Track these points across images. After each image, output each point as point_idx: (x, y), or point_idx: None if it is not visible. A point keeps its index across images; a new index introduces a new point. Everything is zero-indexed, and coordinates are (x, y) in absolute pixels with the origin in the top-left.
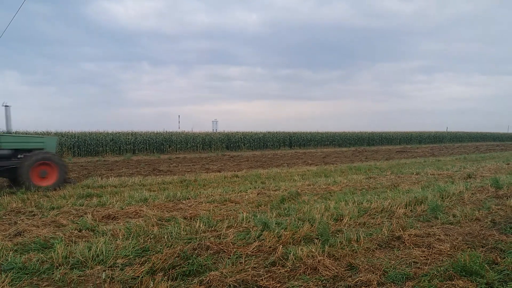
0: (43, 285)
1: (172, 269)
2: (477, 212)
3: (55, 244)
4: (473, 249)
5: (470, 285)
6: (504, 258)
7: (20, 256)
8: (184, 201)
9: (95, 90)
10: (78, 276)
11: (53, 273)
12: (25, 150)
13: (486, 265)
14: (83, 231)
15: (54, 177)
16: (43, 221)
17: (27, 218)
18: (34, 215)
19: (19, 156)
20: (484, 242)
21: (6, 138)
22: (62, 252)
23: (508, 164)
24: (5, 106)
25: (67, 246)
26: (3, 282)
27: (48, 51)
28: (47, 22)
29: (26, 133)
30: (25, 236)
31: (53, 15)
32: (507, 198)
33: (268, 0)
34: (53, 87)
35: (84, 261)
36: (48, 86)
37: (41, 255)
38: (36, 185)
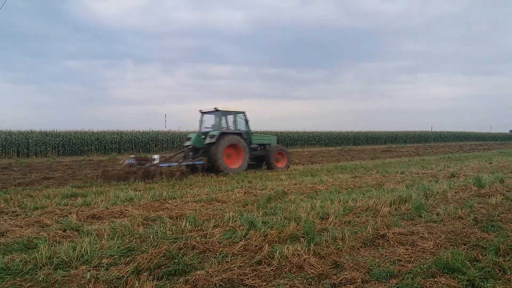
0: (27, 285)
1: (157, 269)
2: (460, 211)
3: (38, 244)
4: (455, 247)
5: (452, 282)
6: (485, 255)
7: (2, 257)
8: (170, 201)
9: (78, 88)
10: (62, 277)
11: (36, 274)
12: (261, 145)
13: (468, 262)
14: (68, 231)
15: (284, 162)
16: (26, 221)
17: (10, 219)
18: (17, 215)
19: (258, 149)
20: (466, 239)
21: (255, 137)
22: (46, 252)
23: (491, 163)
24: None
25: (51, 246)
26: None
27: (30, 48)
28: (29, 19)
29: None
30: (8, 237)
31: (35, 11)
32: (489, 197)
33: None
34: (36, 85)
35: (68, 261)
36: (31, 84)
37: (25, 255)
38: (275, 166)
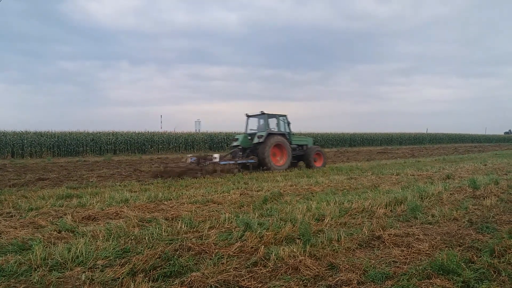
0: (21, 287)
1: (153, 270)
2: (455, 212)
3: (33, 246)
4: (450, 248)
5: (447, 283)
6: (480, 257)
7: None
8: (165, 202)
9: (73, 89)
10: (57, 278)
11: (31, 275)
12: (299, 145)
13: (463, 263)
14: (63, 232)
15: (321, 161)
16: (21, 222)
17: (4, 220)
18: (11, 216)
19: (297, 149)
20: (461, 241)
21: (294, 138)
22: (40, 254)
23: (485, 165)
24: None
25: (46, 247)
26: None
27: (24, 48)
28: (23, 19)
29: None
30: (2, 238)
31: (29, 12)
32: (484, 198)
33: (246, 0)
34: (30, 86)
35: (63, 263)
36: (24, 84)
37: (19, 256)
38: (314, 165)
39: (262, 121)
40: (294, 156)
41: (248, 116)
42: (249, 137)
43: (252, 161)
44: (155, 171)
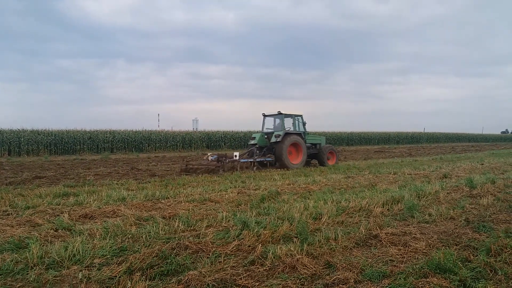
0: (17, 285)
1: (150, 269)
2: (452, 211)
3: (30, 244)
4: (447, 247)
5: (444, 282)
6: (477, 255)
7: None
8: (163, 201)
9: (70, 87)
10: (54, 276)
11: (27, 274)
12: (313, 144)
13: (459, 262)
14: (60, 230)
15: (334, 160)
16: (17, 220)
17: (0, 218)
18: (8, 214)
19: (311, 148)
20: (458, 240)
21: (309, 137)
22: (37, 252)
23: (482, 164)
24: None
25: (43, 246)
26: None
27: (21, 46)
28: (20, 17)
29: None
30: None
31: (26, 10)
32: (481, 198)
33: None
34: (26, 83)
35: (60, 261)
36: (21, 82)
37: (16, 255)
38: (327, 163)
39: (278, 121)
40: (308, 154)
41: (265, 116)
42: (265, 136)
43: (270, 159)
44: (179, 168)
